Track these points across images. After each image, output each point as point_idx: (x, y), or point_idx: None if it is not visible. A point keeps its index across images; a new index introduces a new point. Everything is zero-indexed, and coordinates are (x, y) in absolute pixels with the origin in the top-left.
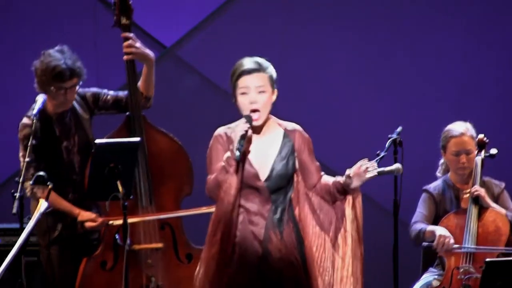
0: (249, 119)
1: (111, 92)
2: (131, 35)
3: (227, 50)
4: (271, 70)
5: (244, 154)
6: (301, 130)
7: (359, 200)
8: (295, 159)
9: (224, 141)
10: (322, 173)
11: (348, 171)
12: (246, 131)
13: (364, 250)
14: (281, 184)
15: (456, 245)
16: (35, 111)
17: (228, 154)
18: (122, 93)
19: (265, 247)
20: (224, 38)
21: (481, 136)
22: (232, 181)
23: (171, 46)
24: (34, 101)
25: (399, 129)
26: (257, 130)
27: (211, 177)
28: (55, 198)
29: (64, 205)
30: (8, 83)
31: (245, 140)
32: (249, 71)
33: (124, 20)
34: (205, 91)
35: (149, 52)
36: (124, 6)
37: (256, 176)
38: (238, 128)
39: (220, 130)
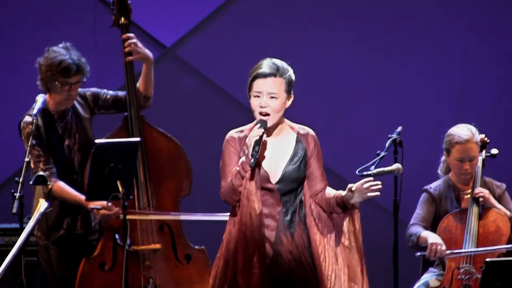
0: (263, 124)
1: (111, 92)
2: (132, 35)
3: (227, 50)
4: (289, 76)
5: (259, 160)
6: (314, 134)
7: (358, 216)
8: (306, 163)
9: (236, 144)
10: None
11: (351, 185)
12: (261, 137)
13: (364, 250)
14: (292, 187)
15: (449, 251)
16: (35, 111)
17: (243, 159)
18: (122, 93)
19: (276, 249)
20: (224, 38)
21: (482, 136)
22: (251, 187)
23: (171, 46)
24: (34, 101)
25: (399, 129)
26: (270, 133)
27: (225, 181)
28: (61, 188)
29: (72, 195)
30: (8, 83)
31: (260, 146)
32: (264, 75)
33: (122, 20)
34: (205, 91)
35: (149, 52)
36: (122, 6)
37: (267, 179)
38: (252, 133)
39: (232, 133)
